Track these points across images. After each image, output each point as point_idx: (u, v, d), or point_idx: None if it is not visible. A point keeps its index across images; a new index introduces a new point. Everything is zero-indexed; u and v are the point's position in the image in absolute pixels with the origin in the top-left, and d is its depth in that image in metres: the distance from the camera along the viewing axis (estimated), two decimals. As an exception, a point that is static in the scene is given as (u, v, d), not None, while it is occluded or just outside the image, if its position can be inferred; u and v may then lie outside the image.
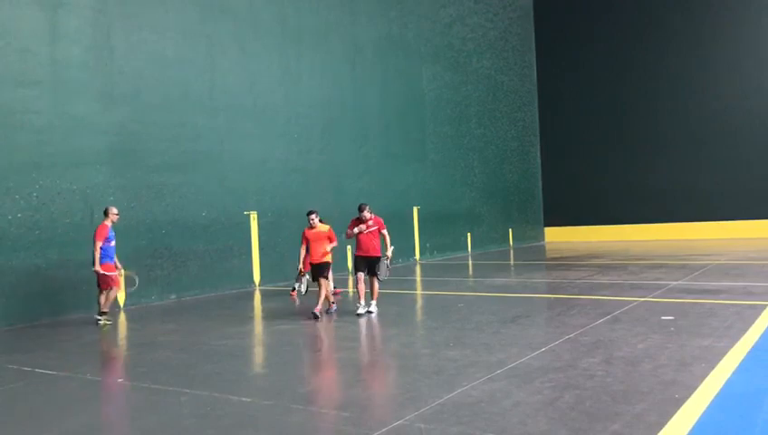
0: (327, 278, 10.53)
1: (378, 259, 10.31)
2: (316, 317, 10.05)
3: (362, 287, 10.41)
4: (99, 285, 10.50)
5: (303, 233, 10.69)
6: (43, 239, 11.22)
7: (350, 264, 17.20)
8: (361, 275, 10.40)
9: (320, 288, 10.38)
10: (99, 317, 10.50)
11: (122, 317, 11.46)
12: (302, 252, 10.70)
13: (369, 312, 10.25)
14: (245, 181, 15.00)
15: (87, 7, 12.21)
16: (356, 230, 10.28)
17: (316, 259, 10.44)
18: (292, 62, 16.60)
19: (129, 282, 11.43)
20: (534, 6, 30.03)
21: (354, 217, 10.51)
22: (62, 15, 11.83)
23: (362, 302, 10.35)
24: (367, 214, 10.32)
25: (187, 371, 7.31)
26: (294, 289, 12.29)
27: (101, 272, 10.36)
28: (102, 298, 10.51)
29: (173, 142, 13.54)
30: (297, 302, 12.24)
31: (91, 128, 12.15)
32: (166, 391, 6.25)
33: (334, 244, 10.55)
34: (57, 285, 11.36)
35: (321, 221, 10.74)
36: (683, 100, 26.40)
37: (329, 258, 10.53)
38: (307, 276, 11.14)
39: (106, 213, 10.64)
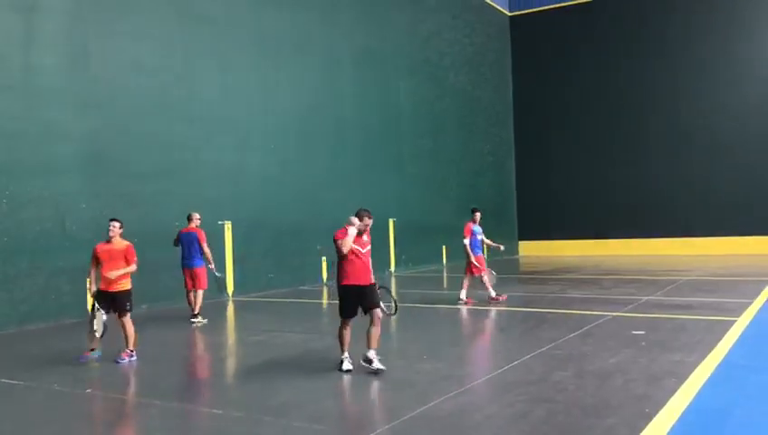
0: (126, 313, 8.23)
1: (373, 288, 7.30)
2: (118, 362, 7.94)
3: (348, 336, 7.30)
4: (194, 286, 11.25)
5: (94, 249, 8.41)
6: (12, 246, 11.01)
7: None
8: (350, 322, 7.30)
9: (123, 328, 8.20)
10: (193, 320, 11.11)
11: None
12: (92, 275, 8.33)
13: (377, 370, 6.86)
14: (221, 191, 14.89)
15: (63, 13, 12.07)
16: (352, 245, 7.17)
17: (110, 286, 8.16)
18: (269, 73, 16.56)
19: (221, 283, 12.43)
20: (510, 23, 30.36)
21: (344, 226, 7.30)
22: (37, 20, 11.69)
23: (346, 354, 7.26)
24: (368, 221, 7.36)
25: (157, 382, 7.21)
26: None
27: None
28: (192, 297, 11.28)
29: (148, 151, 13.40)
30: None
31: (65, 134, 11.98)
32: (135, 403, 6.16)
33: (132, 268, 8.26)
34: (26, 293, 11.15)
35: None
36: (657, 118, 26.79)
37: (126, 285, 8.31)
38: (103, 315, 8.06)
39: (190, 218, 11.45)
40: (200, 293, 11.23)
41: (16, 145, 11.23)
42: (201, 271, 11.27)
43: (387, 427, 5.17)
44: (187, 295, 11.41)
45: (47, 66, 11.80)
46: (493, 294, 12.60)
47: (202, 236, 11.28)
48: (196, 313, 11.16)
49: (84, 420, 5.91)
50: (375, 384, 6.63)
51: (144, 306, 12.88)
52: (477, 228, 12.84)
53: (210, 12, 15.05)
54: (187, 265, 11.28)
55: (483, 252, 12.94)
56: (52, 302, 11.48)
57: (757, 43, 25.28)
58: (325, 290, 16.26)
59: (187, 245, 11.31)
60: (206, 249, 11.29)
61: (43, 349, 9.31)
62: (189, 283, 11.28)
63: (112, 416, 5.87)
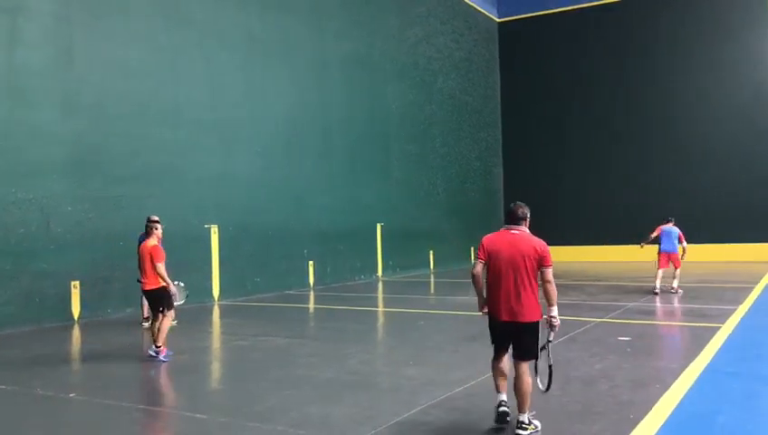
0: (162, 313, 8.55)
1: (534, 329, 5.25)
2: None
3: (504, 375, 5.33)
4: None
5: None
6: (-4, 249, 10.90)
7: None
8: (504, 361, 5.36)
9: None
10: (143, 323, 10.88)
11: (77, 330, 11.19)
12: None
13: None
14: (207, 194, 14.81)
15: (48, 14, 11.98)
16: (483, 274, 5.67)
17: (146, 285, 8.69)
18: (257, 76, 16.52)
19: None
20: (499, 29, 30.50)
21: (489, 238, 5.76)
22: (22, 21, 11.59)
23: (503, 394, 5.24)
24: (525, 229, 5.65)
25: (141, 386, 7.16)
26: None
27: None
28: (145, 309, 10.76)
29: (134, 153, 13.31)
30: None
31: (50, 137, 11.88)
32: (119, 407, 6.11)
33: (159, 269, 8.56)
34: (9, 295, 11.03)
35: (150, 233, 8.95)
36: (646, 125, 26.97)
37: (160, 283, 8.67)
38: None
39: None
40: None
41: (0, 147, 11.12)
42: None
43: (372, 432, 5.15)
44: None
45: (32, 67, 11.70)
46: (675, 284, 14.54)
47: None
48: (146, 316, 10.75)
49: (68, 426, 5.85)
50: (360, 390, 6.61)
51: (129, 310, 12.80)
52: (667, 229, 14.79)
53: (197, 15, 14.98)
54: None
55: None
56: (36, 305, 11.36)
57: (743, 46, 25.49)
58: (312, 294, 16.20)
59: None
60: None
61: (26, 352, 9.21)
62: None
63: (96, 421, 5.81)
